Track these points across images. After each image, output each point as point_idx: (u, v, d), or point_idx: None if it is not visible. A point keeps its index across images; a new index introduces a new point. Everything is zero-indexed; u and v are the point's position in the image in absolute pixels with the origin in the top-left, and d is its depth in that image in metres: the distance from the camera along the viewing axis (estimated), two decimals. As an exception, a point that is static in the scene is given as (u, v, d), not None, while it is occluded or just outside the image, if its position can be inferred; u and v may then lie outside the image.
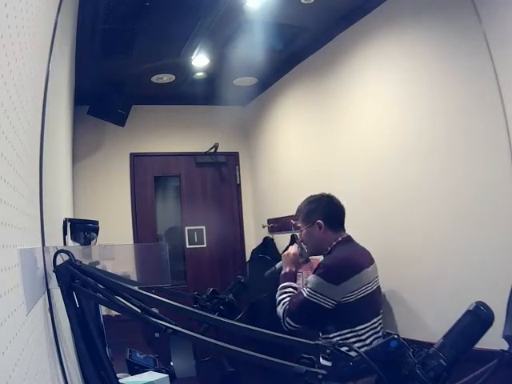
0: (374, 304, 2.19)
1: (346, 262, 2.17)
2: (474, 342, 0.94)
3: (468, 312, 0.95)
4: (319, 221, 2.25)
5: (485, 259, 1.96)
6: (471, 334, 0.93)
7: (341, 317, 2.10)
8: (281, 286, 2.28)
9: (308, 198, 2.36)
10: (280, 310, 2.20)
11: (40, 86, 1.10)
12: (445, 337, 0.94)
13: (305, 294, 2.11)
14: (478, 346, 0.94)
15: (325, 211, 2.28)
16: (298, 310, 2.13)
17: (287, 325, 2.15)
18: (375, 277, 2.22)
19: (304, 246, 2.37)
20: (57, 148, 1.78)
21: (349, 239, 2.27)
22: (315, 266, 2.32)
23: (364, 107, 2.78)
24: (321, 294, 2.08)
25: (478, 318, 0.93)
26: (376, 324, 2.14)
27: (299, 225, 2.34)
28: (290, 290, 2.25)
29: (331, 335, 2.11)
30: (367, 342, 2.09)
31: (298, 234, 2.42)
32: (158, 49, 3.18)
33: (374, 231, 2.67)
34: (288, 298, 2.20)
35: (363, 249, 2.28)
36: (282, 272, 2.34)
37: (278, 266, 2.41)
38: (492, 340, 1.04)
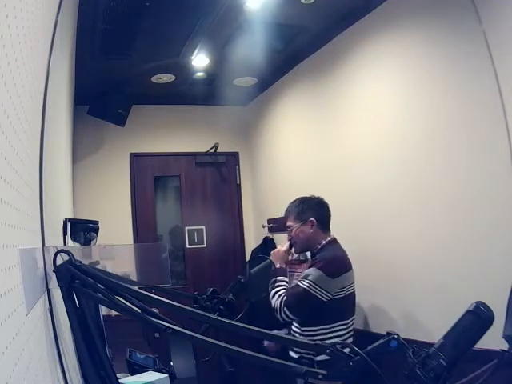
0: (353, 303, 2.35)
1: (342, 258, 2.31)
2: (474, 341, 0.94)
3: (468, 312, 0.95)
4: (312, 219, 2.38)
5: (485, 259, 1.96)
6: (471, 334, 0.93)
7: (331, 311, 2.22)
8: (273, 279, 2.37)
9: (299, 199, 2.48)
10: (276, 301, 2.29)
11: (40, 86, 1.10)
12: (445, 337, 0.94)
13: (304, 286, 2.21)
14: (478, 345, 0.94)
15: (317, 211, 2.42)
16: (296, 301, 2.23)
17: (284, 315, 2.24)
18: (353, 281, 2.35)
19: (293, 244, 2.47)
20: (57, 148, 1.78)
21: (336, 241, 2.42)
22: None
23: (364, 107, 2.78)
24: (320, 287, 2.19)
25: (478, 318, 0.93)
26: (352, 323, 2.30)
27: (290, 223, 2.45)
28: (283, 283, 2.35)
29: (316, 328, 2.24)
30: (344, 338, 2.24)
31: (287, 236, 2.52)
32: (158, 49, 3.18)
33: (375, 230, 2.67)
34: (283, 290, 2.29)
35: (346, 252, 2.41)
36: (272, 268, 2.38)
37: (264, 263, 2.46)
38: (492, 340, 1.04)
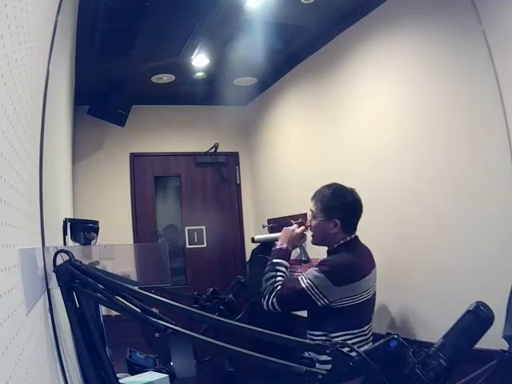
0: (365, 312, 2.14)
1: (352, 265, 2.11)
2: (475, 342, 0.94)
3: (468, 312, 0.95)
4: (337, 220, 2.16)
5: (485, 259, 1.96)
6: (471, 334, 0.93)
7: (328, 318, 2.06)
8: (274, 260, 2.21)
9: (335, 189, 2.20)
10: (268, 287, 2.13)
11: (40, 86, 1.10)
12: (445, 337, 0.94)
13: (303, 285, 2.05)
14: (478, 345, 0.94)
15: (346, 212, 2.17)
16: (290, 297, 2.09)
17: (270, 305, 2.10)
18: (373, 283, 2.17)
19: (309, 233, 2.27)
20: (57, 148, 1.78)
21: (357, 241, 2.21)
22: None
23: (364, 107, 2.78)
24: (319, 291, 2.03)
25: (478, 318, 0.93)
26: (366, 331, 2.11)
27: (313, 210, 2.22)
28: (283, 269, 2.19)
29: (316, 333, 2.09)
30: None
31: (309, 216, 2.30)
32: (158, 49, 3.18)
33: (373, 231, 2.67)
34: (280, 278, 2.14)
35: (368, 252, 2.22)
36: (278, 246, 2.27)
37: (271, 236, 2.39)
38: (492, 340, 1.04)
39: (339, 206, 2.16)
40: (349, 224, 2.19)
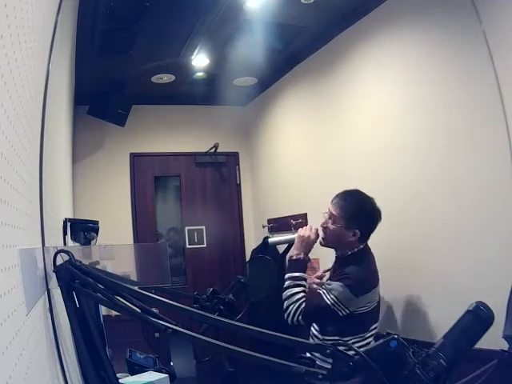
0: (375, 314, 2.19)
1: (370, 276, 2.14)
2: (475, 342, 0.94)
3: (468, 312, 0.95)
4: (357, 230, 2.13)
5: (485, 259, 1.96)
6: (471, 334, 0.93)
7: (343, 324, 2.09)
8: (294, 274, 2.20)
9: (359, 199, 2.18)
10: (293, 304, 2.14)
11: (40, 86, 1.10)
12: (445, 337, 0.94)
13: (327, 301, 2.06)
14: (478, 345, 0.94)
15: (367, 225, 2.16)
16: (315, 313, 2.12)
17: (296, 322, 2.13)
18: (379, 288, 2.20)
19: (322, 233, 2.23)
20: (57, 148, 1.78)
21: (368, 249, 2.21)
22: (316, 265, 2.28)
23: (364, 107, 2.78)
24: (342, 303, 2.05)
25: (478, 318, 0.93)
26: (374, 333, 2.16)
27: (334, 213, 2.17)
28: (304, 283, 2.19)
29: (328, 337, 2.11)
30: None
31: (325, 216, 2.23)
32: (158, 49, 3.18)
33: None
34: (303, 294, 2.15)
35: (373, 257, 2.23)
36: (294, 256, 2.23)
37: (286, 238, 2.35)
38: (492, 340, 1.04)
39: (361, 217, 2.15)
40: (365, 235, 2.18)
